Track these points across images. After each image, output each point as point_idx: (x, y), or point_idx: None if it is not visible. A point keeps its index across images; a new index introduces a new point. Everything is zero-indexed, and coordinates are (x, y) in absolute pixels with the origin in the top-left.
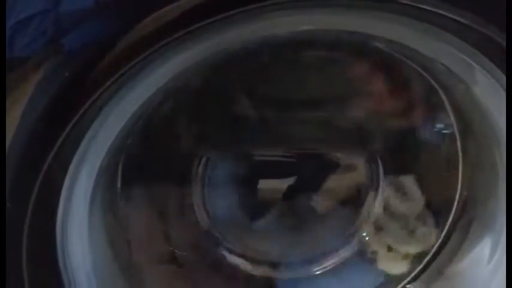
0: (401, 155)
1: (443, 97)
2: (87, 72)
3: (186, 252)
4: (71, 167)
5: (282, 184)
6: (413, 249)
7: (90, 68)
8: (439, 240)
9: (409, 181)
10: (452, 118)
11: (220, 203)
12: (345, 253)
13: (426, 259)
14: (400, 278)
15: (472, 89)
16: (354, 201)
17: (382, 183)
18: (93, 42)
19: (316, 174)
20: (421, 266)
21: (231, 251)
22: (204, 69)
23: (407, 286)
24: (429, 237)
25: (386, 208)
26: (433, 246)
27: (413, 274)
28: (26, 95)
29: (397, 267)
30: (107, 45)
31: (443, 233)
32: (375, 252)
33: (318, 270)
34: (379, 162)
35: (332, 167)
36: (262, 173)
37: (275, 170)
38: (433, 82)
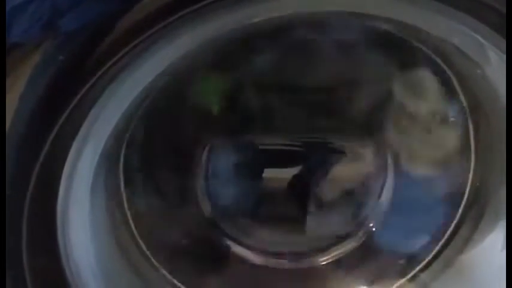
0: (409, 143)
1: (455, 81)
2: (86, 55)
3: (189, 242)
4: (71, 152)
5: (287, 173)
6: (432, 152)
7: (89, 50)
8: (450, 229)
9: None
10: (465, 103)
11: (224, 192)
12: (351, 244)
13: (437, 248)
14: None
15: (484, 70)
16: (361, 191)
17: (390, 173)
18: (91, 24)
19: (322, 163)
20: (431, 256)
21: (235, 241)
22: (208, 51)
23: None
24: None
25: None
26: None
27: (423, 264)
28: (24, 78)
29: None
30: (106, 27)
31: (455, 223)
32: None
33: (323, 261)
34: (387, 151)
35: (338, 156)
36: (267, 162)
37: (280, 159)
38: (444, 65)
